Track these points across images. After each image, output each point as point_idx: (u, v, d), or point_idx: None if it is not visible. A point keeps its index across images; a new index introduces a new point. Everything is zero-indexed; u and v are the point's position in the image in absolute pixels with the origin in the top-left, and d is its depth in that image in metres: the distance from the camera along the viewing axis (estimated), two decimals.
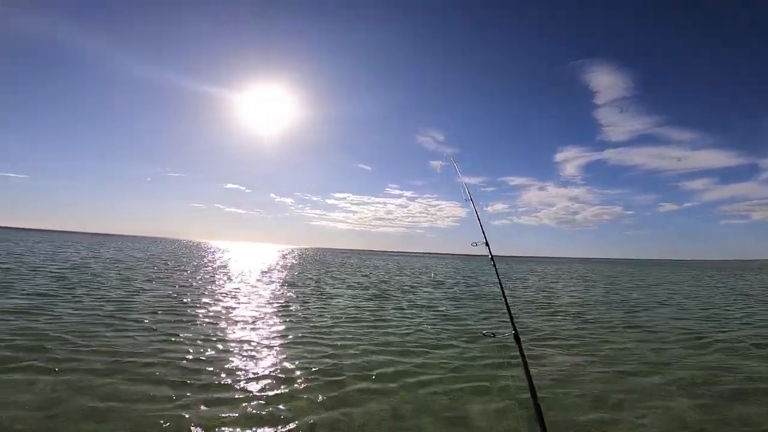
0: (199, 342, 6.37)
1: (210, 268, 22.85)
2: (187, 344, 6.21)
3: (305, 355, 6.02)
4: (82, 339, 6.13)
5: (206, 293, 11.97)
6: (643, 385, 5.14)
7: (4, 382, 4.36)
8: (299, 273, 22.98)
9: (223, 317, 8.46)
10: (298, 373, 5.18)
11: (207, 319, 8.16)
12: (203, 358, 5.60)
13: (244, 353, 5.91)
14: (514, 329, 2.25)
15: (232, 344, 6.36)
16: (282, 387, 4.64)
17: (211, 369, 5.12)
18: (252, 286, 14.55)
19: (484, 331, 2.53)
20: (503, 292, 2.52)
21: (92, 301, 9.32)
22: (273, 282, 16.77)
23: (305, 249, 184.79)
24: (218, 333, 7.04)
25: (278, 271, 24.06)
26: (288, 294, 12.93)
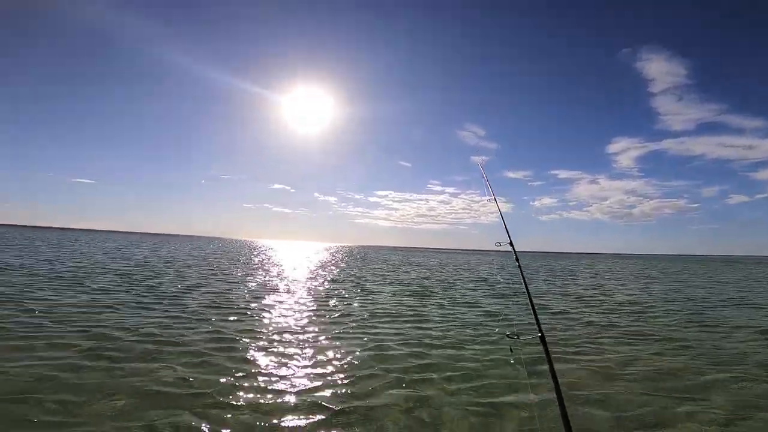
0: (248, 334, 6.78)
1: (259, 265, 24.06)
2: (236, 336, 6.64)
3: (345, 347, 6.27)
4: (165, 336, 6.75)
5: (257, 289, 12.64)
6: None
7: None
8: (343, 270, 23.53)
9: (273, 311, 8.91)
10: (336, 364, 5.44)
11: (259, 312, 8.65)
12: (253, 347, 6.02)
13: (290, 344, 6.24)
14: (540, 332, 2.18)
15: (280, 337, 6.70)
16: (318, 377, 4.85)
17: (258, 360, 5.47)
18: (298, 282, 15.13)
19: (508, 333, 2.47)
20: (528, 293, 2.45)
21: (161, 298, 10.19)
22: (317, 278, 17.32)
23: (349, 246, 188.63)
24: (269, 326, 7.44)
25: (323, 268, 24.80)
26: (332, 290, 13.31)
